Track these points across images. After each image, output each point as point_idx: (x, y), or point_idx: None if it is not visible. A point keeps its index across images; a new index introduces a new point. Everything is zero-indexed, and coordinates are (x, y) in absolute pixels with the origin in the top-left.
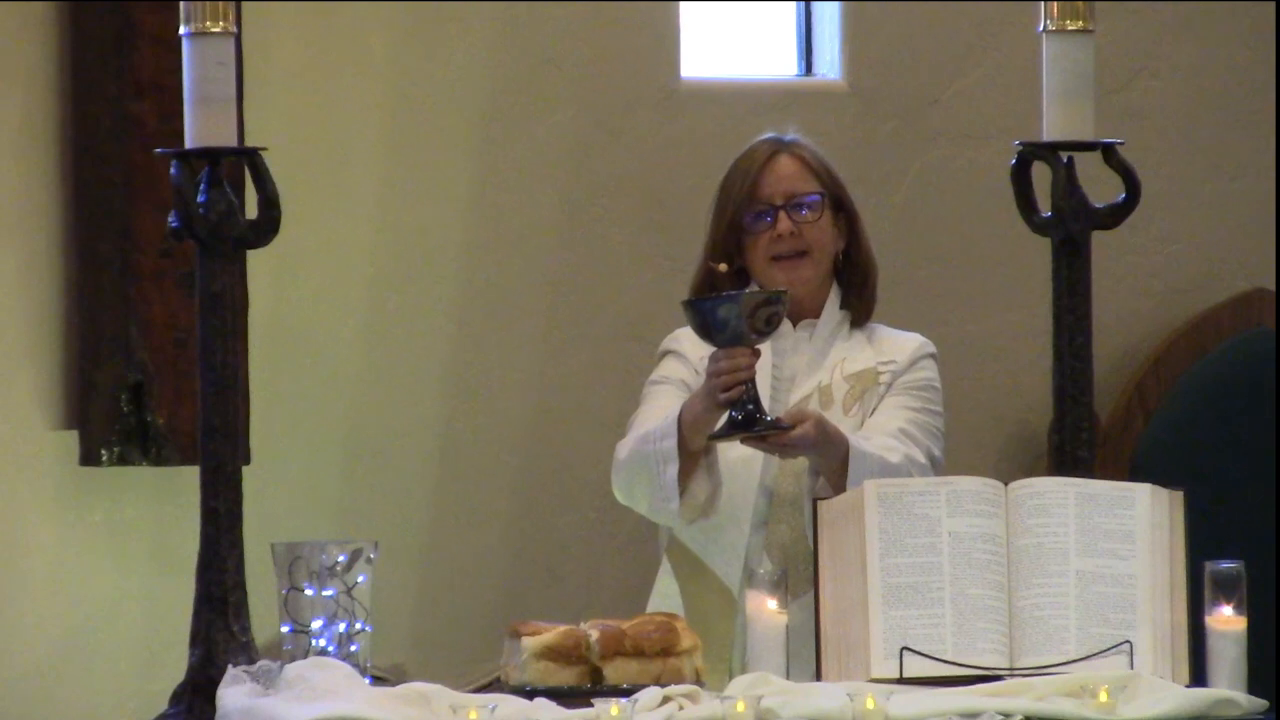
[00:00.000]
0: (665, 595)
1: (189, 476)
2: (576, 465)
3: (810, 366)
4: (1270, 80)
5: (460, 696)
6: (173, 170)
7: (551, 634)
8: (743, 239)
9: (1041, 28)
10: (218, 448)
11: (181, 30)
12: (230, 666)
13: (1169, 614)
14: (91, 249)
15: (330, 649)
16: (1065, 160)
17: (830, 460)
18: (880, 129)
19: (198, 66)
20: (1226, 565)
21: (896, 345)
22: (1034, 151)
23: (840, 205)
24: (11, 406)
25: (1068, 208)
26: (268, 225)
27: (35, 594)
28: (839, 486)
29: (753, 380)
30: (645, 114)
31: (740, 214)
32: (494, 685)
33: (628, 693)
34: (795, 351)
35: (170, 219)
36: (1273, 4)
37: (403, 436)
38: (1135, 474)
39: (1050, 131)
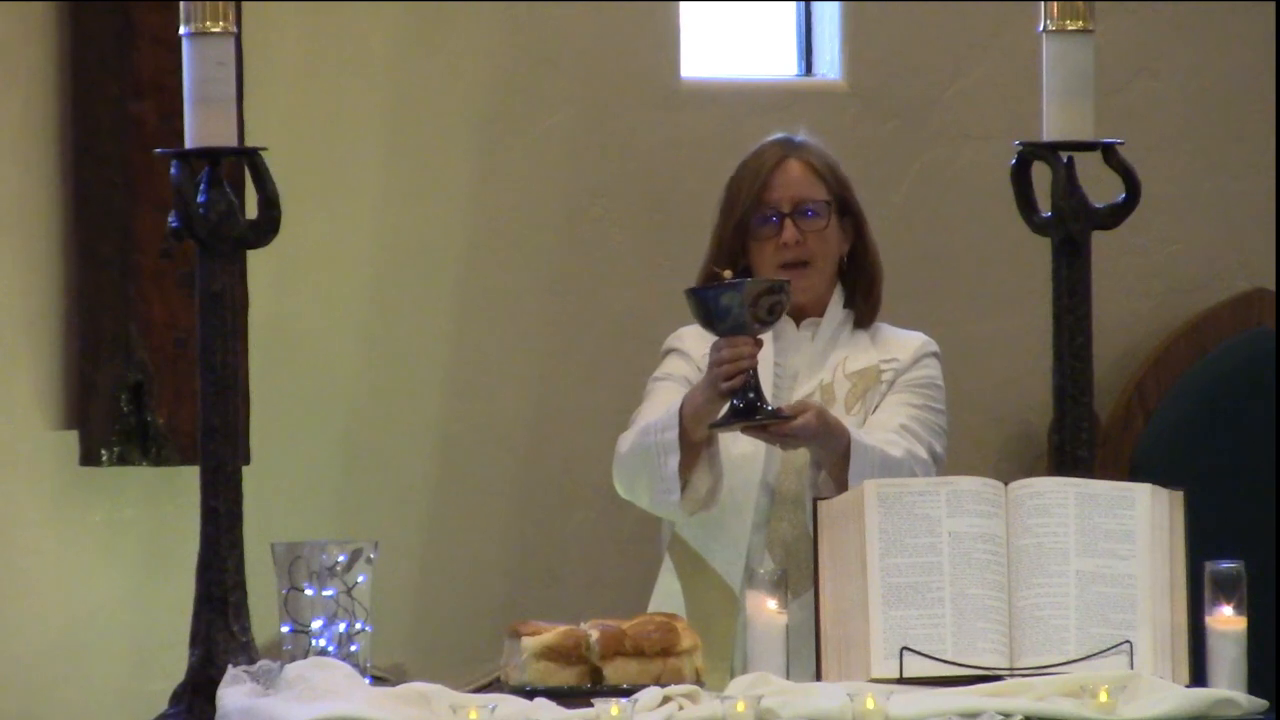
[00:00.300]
0: (667, 594)
1: (189, 476)
2: (576, 465)
3: (812, 365)
4: (1270, 80)
5: (460, 696)
6: (173, 170)
7: (551, 634)
8: (748, 242)
9: (1041, 28)
10: (218, 448)
11: (181, 30)
12: (230, 666)
13: (1169, 614)
14: (91, 249)
15: (330, 649)
16: (1065, 160)
17: (831, 452)
18: (880, 129)
19: (198, 66)
20: (1226, 565)
21: (899, 343)
22: (1034, 151)
23: (847, 208)
24: (11, 406)
25: (1068, 208)
26: (268, 225)
27: (35, 594)
28: (840, 479)
29: (754, 369)
30: (645, 114)
31: (747, 217)
32: (494, 685)
33: (628, 693)
34: (798, 350)
35: (170, 219)
36: (1273, 4)
37: (402, 436)
38: (1135, 474)
39: (1050, 131)
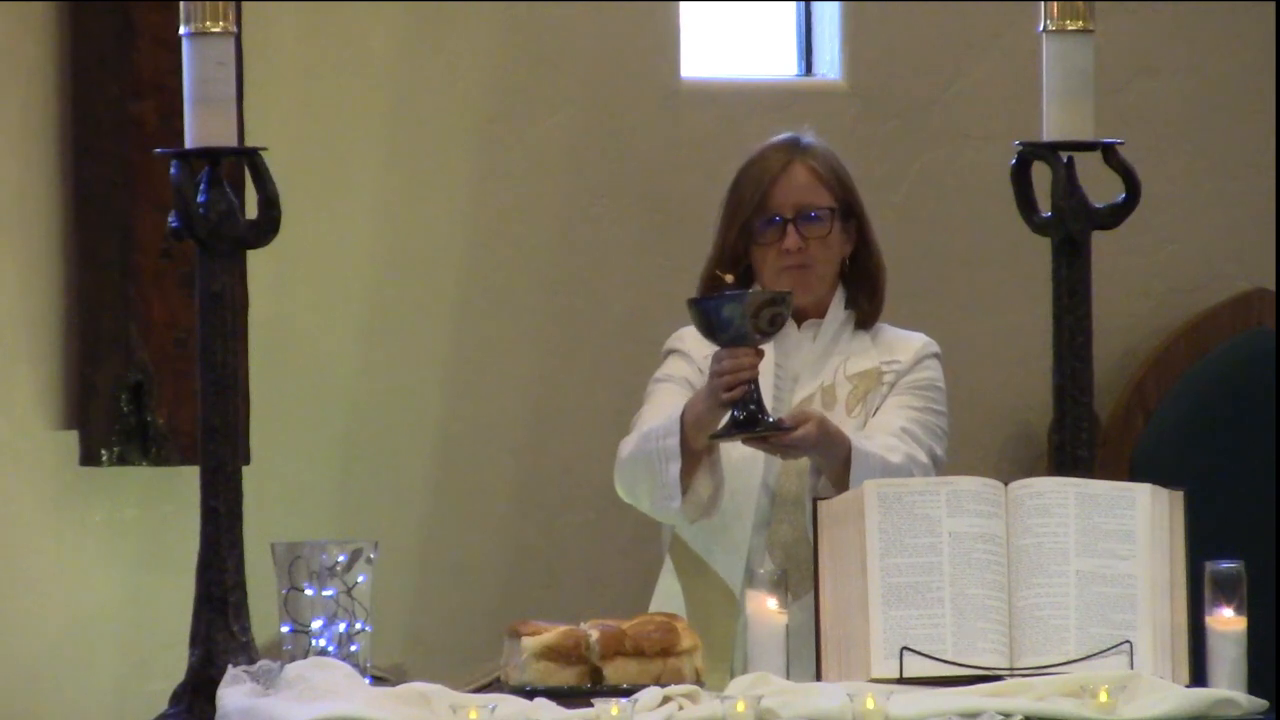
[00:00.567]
0: (667, 594)
1: (189, 476)
2: (576, 465)
3: (814, 366)
4: (1270, 80)
5: (460, 696)
6: (173, 170)
7: (551, 634)
8: (751, 246)
9: (1041, 28)
10: (218, 448)
11: (181, 30)
12: (230, 666)
13: (1169, 614)
14: (91, 249)
15: (330, 649)
16: (1065, 160)
17: (832, 460)
18: (880, 129)
19: (198, 66)
20: (1226, 565)
21: (900, 345)
22: (1034, 151)
23: (850, 211)
24: (11, 406)
25: (1068, 208)
26: (268, 225)
27: (35, 594)
28: (841, 486)
29: (755, 380)
30: (645, 114)
31: (751, 221)
32: (494, 685)
33: (628, 693)
34: (799, 351)
35: (170, 219)
36: (1273, 4)
37: (402, 436)
38: (1135, 474)
39: (1050, 131)
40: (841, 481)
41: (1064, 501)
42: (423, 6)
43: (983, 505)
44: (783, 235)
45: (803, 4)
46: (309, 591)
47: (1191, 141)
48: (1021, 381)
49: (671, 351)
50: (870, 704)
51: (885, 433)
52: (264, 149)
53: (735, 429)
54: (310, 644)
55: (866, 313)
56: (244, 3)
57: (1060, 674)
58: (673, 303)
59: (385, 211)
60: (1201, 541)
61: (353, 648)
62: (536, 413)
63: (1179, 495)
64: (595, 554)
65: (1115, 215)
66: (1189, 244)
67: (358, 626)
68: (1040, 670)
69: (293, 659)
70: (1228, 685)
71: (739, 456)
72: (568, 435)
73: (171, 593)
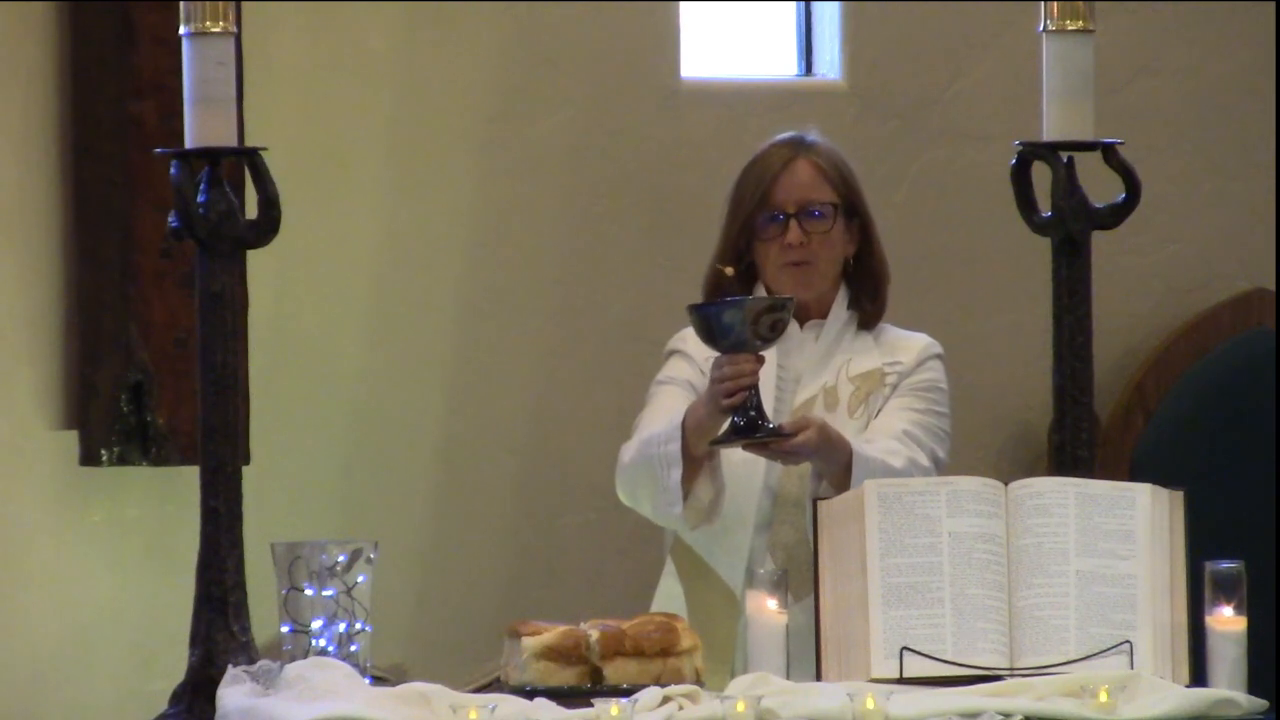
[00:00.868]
0: (669, 597)
1: (189, 476)
2: (577, 465)
3: (816, 367)
4: (1270, 80)
5: (460, 696)
6: (173, 170)
7: (551, 634)
8: (754, 241)
9: (1041, 28)
10: (218, 448)
11: (181, 30)
12: (230, 666)
13: (1169, 614)
14: (91, 249)
15: (330, 649)
16: (1065, 160)
17: (833, 466)
18: (880, 129)
19: (198, 66)
20: (1226, 565)
21: (903, 346)
22: (1034, 151)
23: (854, 210)
24: (11, 406)
25: (1068, 208)
26: (268, 225)
27: (35, 594)
28: (843, 491)
29: (755, 387)
30: (645, 114)
31: (753, 216)
32: (494, 685)
33: (628, 693)
34: (801, 352)
35: (170, 219)
36: (1273, 4)
37: (403, 436)
38: (1135, 474)
39: (1050, 131)
40: (843, 486)
41: (1064, 501)
42: (422, 6)
43: (983, 505)
44: (785, 231)
45: (803, 4)
46: (309, 591)
47: (1191, 141)
48: (1021, 381)
49: (673, 352)
50: (870, 704)
51: (887, 436)
52: (264, 149)
53: (735, 435)
54: (310, 644)
55: (869, 313)
56: (244, 2)
57: (1060, 674)
58: (673, 302)
59: (385, 211)
60: (1201, 541)
61: (353, 648)
62: (536, 412)
63: (1179, 495)
64: (595, 554)
65: (1115, 215)
66: (1189, 244)
67: (358, 626)
68: (1040, 670)
69: (293, 659)
70: (1228, 685)
71: (740, 459)
72: (568, 434)
73: (171, 593)
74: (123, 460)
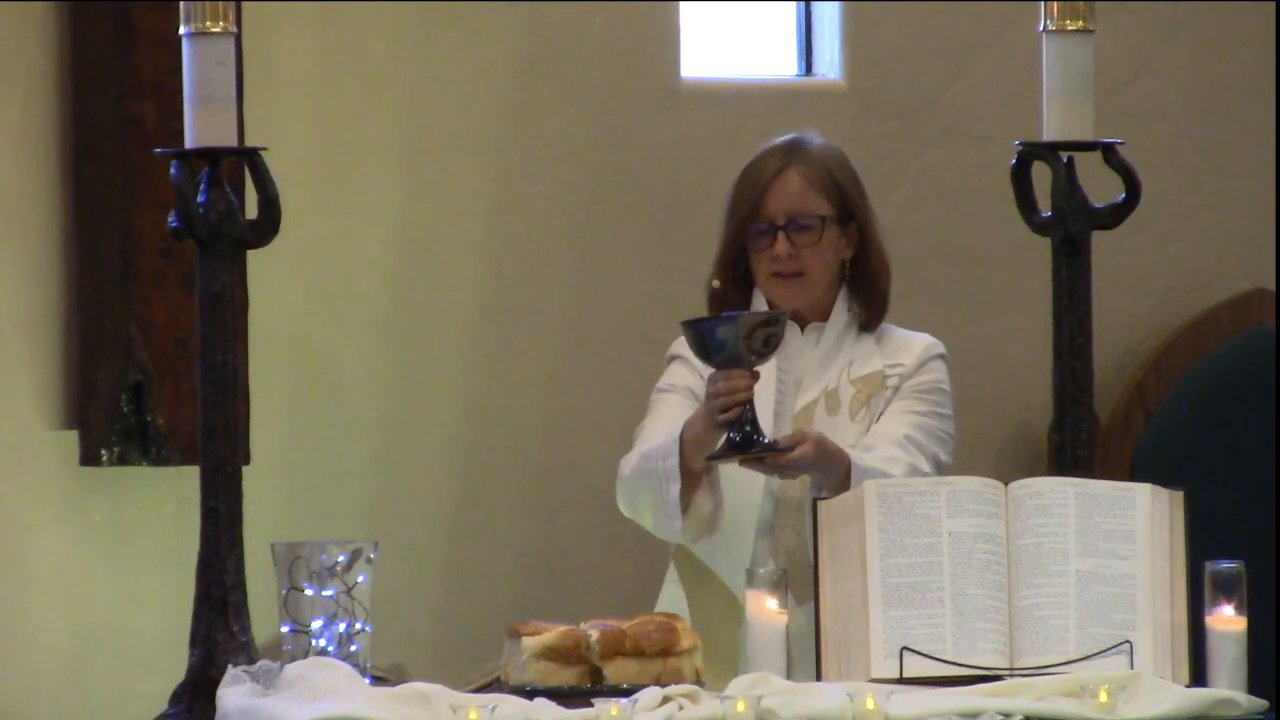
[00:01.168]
0: (671, 602)
1: (189, 476)
2: (578, 466)
3: (817, 370)
4: (1270, 80)
5: (460, 696)
6: (173, 170)
7: (551, 634)
8: (747, 250)
9: (1041, 28)
10: (218, 448)
11: (181, 30)
12: (230, 666)
13: (1169, 614)
14: (91, 249)
15: (330, 649)
16: (1065, 160)
17: (831, 478)
18: (880, 129)
19: (198, 66)
20: (1226, 565)
21: (905, 347)
22: (1034, 151)
23: (849, 216)
24: (11, 406)
25: (1068, 208)
26: (268, 225)
27: (35, 594)
28: None
29: (750, 402)
30: (645, 114)
31: (745, 225)
32: (494, 685)
33: (628, 693)
34: (801, 356)
35: (170, 219)
36: (1273, 4)
37: (403, 436)
38: (1135, 474)
39: (1050, 131)
40: None
41: (1064, 501)
42: (423, 7)
43: (983, 505)
44: (773, 243)
45: (803, 4)
46: (309, 591)
47: (1191, 141)
48: (1021, 381)
49: (674, 358)
50: (870, 704)
51: (888, 441)
52: (264, 149)
53: (731, 450)
54: (310, 644)
55: (870, 315)
56: (244, 2)
57: (1060, 674)
58: (672, 303)
59: (385, 211)
60: (1201, 541)
61: (353, 648)
62: (537, 412)
63: (1179, 495)
64: (596, 554)
65: (1115, 215)
66: (1189, 244)
67: (358, 626)
68: (1040, 670)
69: (293, 659)
70: (1228, 685)
71: None
72: (568, 435)
73: (171, 593)
74: (123, 460)
